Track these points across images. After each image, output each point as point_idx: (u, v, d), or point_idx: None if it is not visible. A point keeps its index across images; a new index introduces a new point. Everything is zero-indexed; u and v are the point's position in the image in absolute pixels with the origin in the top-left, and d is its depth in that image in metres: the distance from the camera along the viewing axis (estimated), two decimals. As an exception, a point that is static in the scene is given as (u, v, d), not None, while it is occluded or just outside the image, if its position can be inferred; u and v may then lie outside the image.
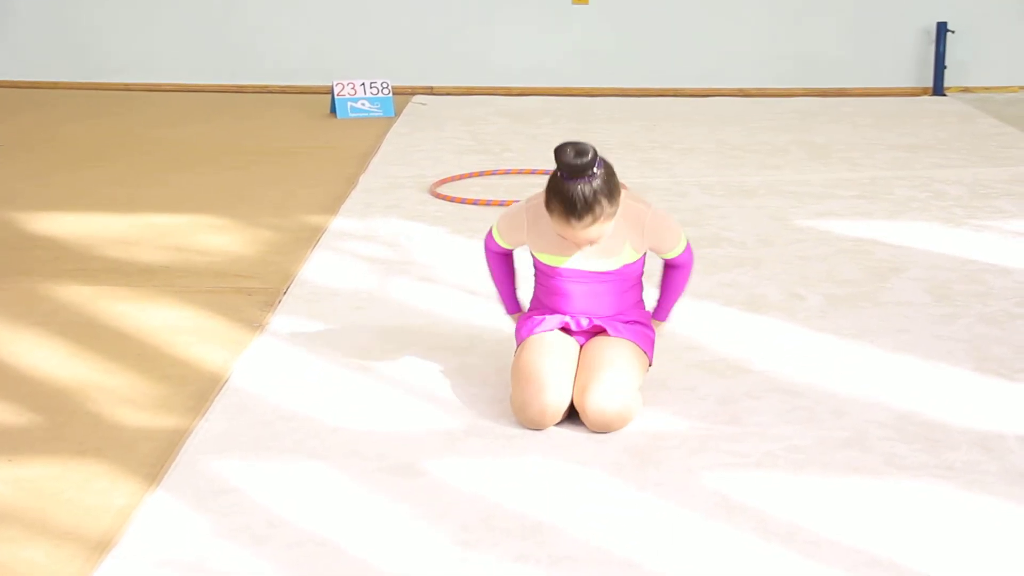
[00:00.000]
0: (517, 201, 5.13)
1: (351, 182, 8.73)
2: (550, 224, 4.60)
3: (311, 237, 7.21)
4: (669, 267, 4.90)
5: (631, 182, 8.55)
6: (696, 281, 6.31)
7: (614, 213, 4.49)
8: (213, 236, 7.28)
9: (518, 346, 4.83)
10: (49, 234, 7.34)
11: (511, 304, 5.10)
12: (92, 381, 5.03)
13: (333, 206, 7.99)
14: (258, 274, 6.48)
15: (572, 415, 4.57)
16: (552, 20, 13.43)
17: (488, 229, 4.97)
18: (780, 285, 6.31)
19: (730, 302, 6.06)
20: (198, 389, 4.93)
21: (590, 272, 4.75)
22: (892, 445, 4.39)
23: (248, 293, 6.16)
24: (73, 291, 6.17)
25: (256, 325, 5.68)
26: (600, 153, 4.52)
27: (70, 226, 7.48)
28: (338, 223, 7.57)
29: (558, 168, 4.44)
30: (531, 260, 4.90)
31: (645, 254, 4.79)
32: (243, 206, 8.03)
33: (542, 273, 4.85)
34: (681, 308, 5.83)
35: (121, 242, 7.10)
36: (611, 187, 4.46)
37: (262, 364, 5.21)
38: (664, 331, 5.17)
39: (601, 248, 4.68)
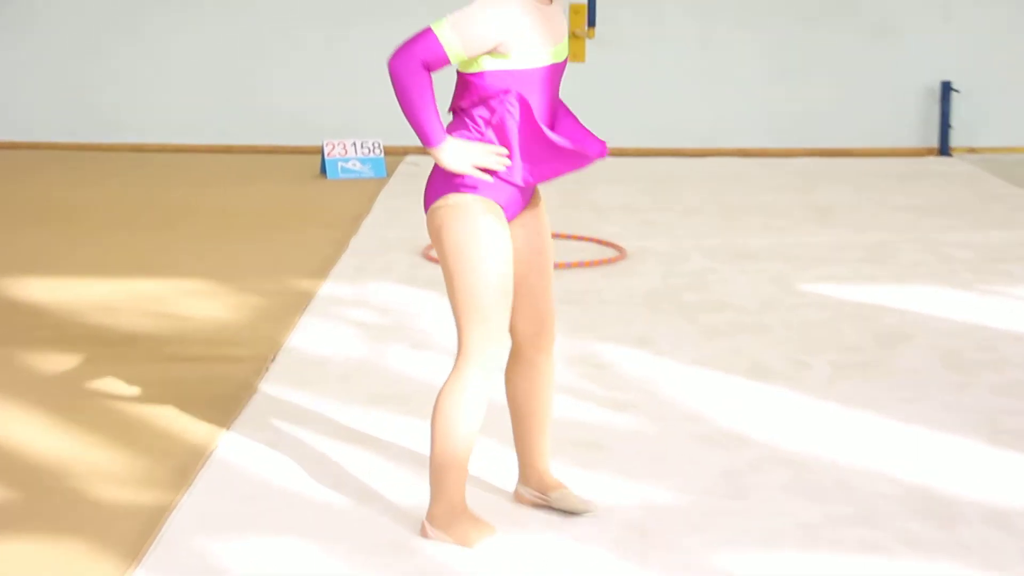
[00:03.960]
0: None
1: (341, 245, 8.58)
2: (534, 8, 3.92)
3: (300, 302, 7.04)
4: None
5: (629, 245, 8.45)
6: (697, 347, 6.19)
7: None
8: (199, 302, 7.12)
9: (473, 217, 3.96)
10: (28, 300, 7.17)
11: (440, 130, 3.99)
12: (71, 454, 4.86)
13: (323, 270, 7.83)
14: (245, 341, 6.33)
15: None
16: (550, 80, 13.32)
17: (412, 40, 3.90)
18: (784, 352, 6.16)
19: (732, 369, 5.90)
20: (182, 462, 4.77)
21: (561, 63, 4.03)
22: (904, 521, 4.24)
23: (234, 361, 6.00)
24: (52, 359, 5.99)
25: (244, 393, 5.52)
26: None
27: (50, 291, 7.31)
28: (328, 288, 7.41)
29: None
30: (476, 85, 3.99)
31: None
32: (230, 270, 7.87)
33: (503, 92, 3.96)
34: (680, 375, 5.69)
35: (103, 308, 6.92)
36: None
37: (249, 435, 5.05)
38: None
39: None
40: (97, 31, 13.57)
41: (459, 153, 3.95)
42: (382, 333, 6.49)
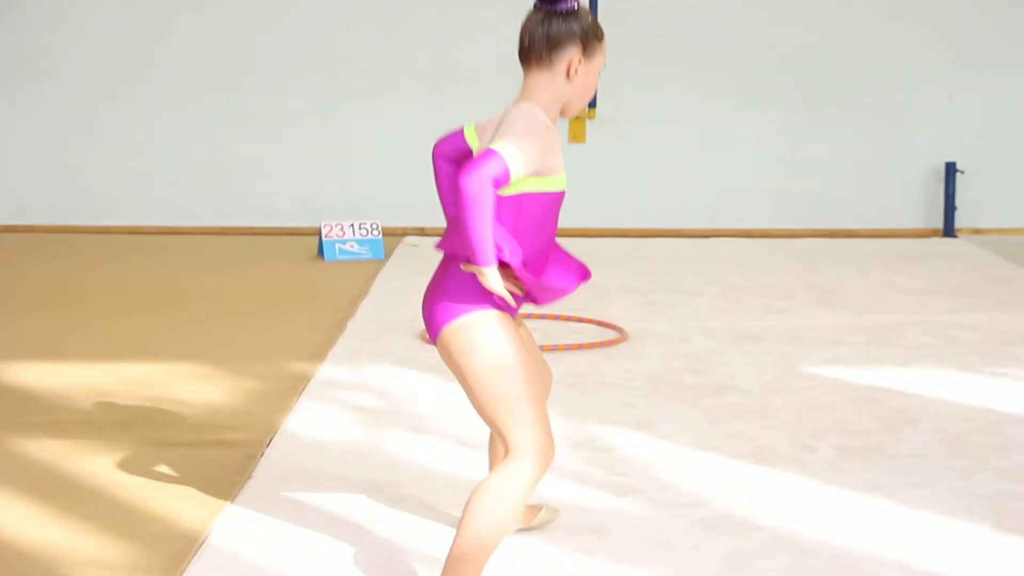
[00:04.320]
0: None
1: (339, 328, 8.51)
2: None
3: (296, 386, 6.96)
4: None
5: (630, 326, 8.38)
6: (700, 430, 6.10)
7: None
8: (194, 385, 7.03)
9: (502, 338, 4.03)
10: (17, 384, 7.07)
11: (493, 250, 3.91)
12: (62, 542, 4.74)
13: (320, 353, 7.76)
14: (240, 425, 6.23)
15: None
16: (551, 160, 13.32)
17: (482, 160, 3.80)
18: (789, 436, 6.06)
19: (736, 454, 5.80)
20: (174, 549, 4.65)
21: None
22: (913, 612, 4.13)
23: (229, 446, 5.90)
24: (42, 445, 5.89)
25: (238, 480, 5.42)
26: None
27: (41, 376, 7.22)
28: (325, 371, 7.33)
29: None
30: (514, 206, 4.03)
31: None
32: (226, 353, 7.80)
33: (534, 219, 4.07)
34: (683, 459, 5.61)
35: (97, 392, 6.83)
36: None
37: (243, 522, 4.93)
38: None
39: None
40: (91, 113, 13.63)
41: (499, 276, 3.95)
42: (380, 417, 6.40)
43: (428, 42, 13.45)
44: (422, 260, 11.45)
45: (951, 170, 13.19)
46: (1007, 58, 13.39)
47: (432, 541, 4.73)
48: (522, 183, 3.98)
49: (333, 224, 11.67)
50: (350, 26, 13.54)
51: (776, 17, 13.46)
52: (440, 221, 13.84)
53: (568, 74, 4.07)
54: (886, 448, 5.88)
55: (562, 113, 4.18)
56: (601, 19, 12.94)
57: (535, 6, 4.08)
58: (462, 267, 4.03)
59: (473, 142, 4.24)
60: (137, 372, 7.33)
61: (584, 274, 4.25)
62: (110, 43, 13.56)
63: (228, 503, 5.14)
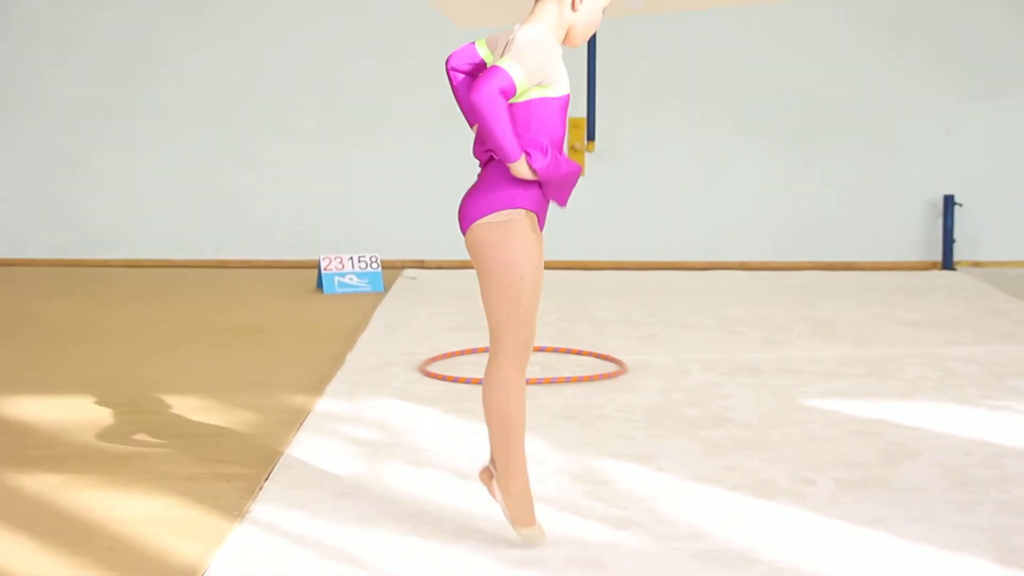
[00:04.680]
0: None
1: (338, 361, 8.50)
2: (559, 47, 4.73)
3: (295, 419, 6.94)
4: None
5: (629, 359, 8.37)
6: (699, 464, 6.09)
7: None
8: (193, 418, 7.01)
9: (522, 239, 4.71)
10: (18, 418, 7.04)
11: (517, 146, 4.61)
12: (57, 577, 4.73)
13: (319, 386, 7.73)
14: (239, 459, 6.21)
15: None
16: (549, 193, 13.33)
17: (489, 76, 4.46)
18: (788, 469, 6.04)
19: (735, 487, 5.78)
20: (172, 584, 4.63)
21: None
22: (914, 647, 4.11)
23: (228, 479, 5.88)
24: (40, 480, 5.86)
25: (236, 514, 5.39)
26: None
27: (39, 409, 7.20)
28: (324, 404, 7.30)
29: None
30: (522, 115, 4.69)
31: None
32: (225, 386, 7.78)
33: (543, 119, 4.71)
34: (682, 492, 5.59)
35: (94, 426, 6.80)
36: None
37: (242, 556, 4.91)
38: None
39: None
40: (89, 147, 13.67)
41: (527, 167, 4.65)
42: (379, 450, 6.37)
43: (427, 75, 13.45)
44: (421, 293, 11.44)
45: (949, 203, 13.20)
46: (1005, 91, 13.41)
47: (432, 574, 4.70)
48: (528, 92, 4.63)
49: (332, 257, 11.66)
50: (349, 59, 13.56)
51: (774, 51, 13.49)
52: (439, 254, 13.85)
53: (574, 5, 4.72)
54: (886, 481, 5.85)
55: (565, 41, 4.82)
56: (600, 52, 13.01)
57: None
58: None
59: (485, 55, 4.81)
60: (136, 405, 7.31)
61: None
62: (108, 77, 13.58)
63: (226, 537, 5.11)
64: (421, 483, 5.82)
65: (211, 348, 9.06)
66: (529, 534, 4.90)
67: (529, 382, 7.40)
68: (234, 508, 5.47)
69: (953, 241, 13.23)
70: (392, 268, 12.87)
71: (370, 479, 5.91)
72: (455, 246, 13.36)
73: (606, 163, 13.47)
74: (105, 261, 13.58)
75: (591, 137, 13.33)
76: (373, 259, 11.77)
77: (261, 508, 5.48)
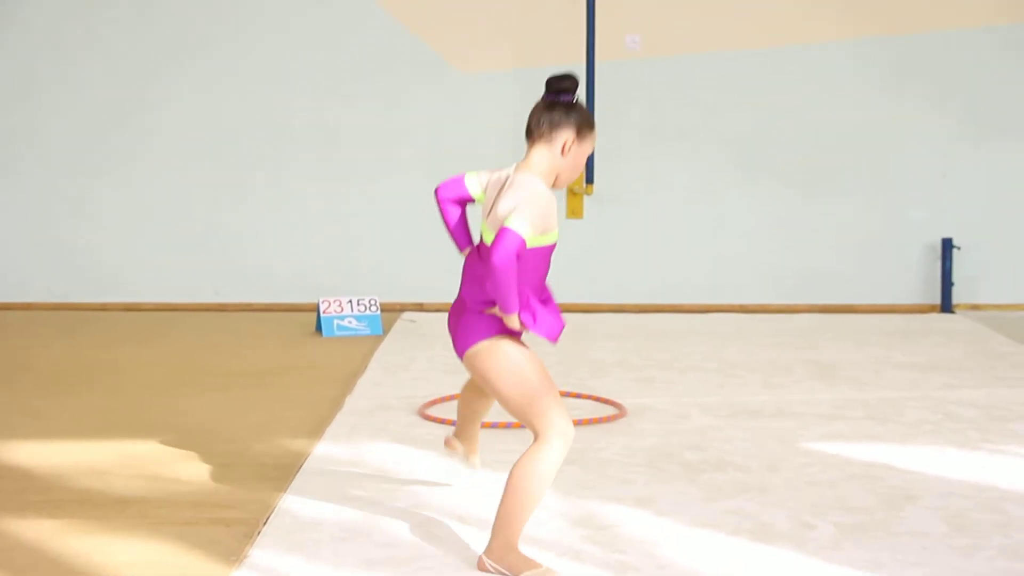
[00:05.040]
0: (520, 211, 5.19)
1: (336, 404, 8.47)
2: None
3: (294, 463, 6.91)
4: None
5: (628, 402, 8.35)
6: (699, 508, 6.07)
7: None
8: (191, 462, 6.98)
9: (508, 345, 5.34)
10: (14, 463, 7.00)
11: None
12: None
13: (317, 430, 7.71)
14: (237, 503, 6.18)
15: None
16: (548, 236, 13.33)
17: (505, 241, 5.06)
18: (788, 513, 6.02)
19: (735, 531, 5.76)
20: (169, 630, 4.62)
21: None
22: None
23: (227, 524, 5.85)
24: (37, 525, 5.83)
25: (234, 559, 5.37)
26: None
27: (37, 454, 7.15)
28: (322, 448, 7.27)
29: (561, 90, 5.30)
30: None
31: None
32: (223, 430, 7.75)
33: (535, 263, 5.29)
34: (682, 536, 5.57)
35: (92, 471, 6.76)
36: None
37: (236, 602, 4.90)
38: None
39: None
40: (87, 190, 13.68)
41: (518, 319, 5.28)
42: (378, 494, 6.34)
43: (428, 119, 13.49)
44: (420, 336, 11.43)
45: (948, 246, 13.20)
46: (1002, 133, 13.42)
47: (430, 621, 4.70)
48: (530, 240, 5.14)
49: (331, 300, 11.65)
50: (349, 102, 13.58)
51: (772, 94, 13.51)
52: (438, 297, 13.81)
53: (563, 151, 5.28)
54: (886, 525, 5.83)
55: (553, 184, 5.34)
56: (599, 93, 13.05)
57: (544, 98, 5.30)
58: (486, 311, 5.31)
59: (477, 193, 5.48)
60: (133, 449, 7.28)
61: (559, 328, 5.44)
62: (106, 120, 13.59)
63: (224, 582, 5.11)
64: (420, 527, 5.80)
65: (210, 391, 9.04)
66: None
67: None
68: (232, 553, 5.45)
69: (952, 284, 13.23)
70: (391, 311, 12.86)
71: (369, 523, 5.89)
72: (454, 290, 13.37)
73: (605, 206, 13.48)
74: (104, 304, 13.57)
75: (589, 180, 13.34)
76: (372, 302, 11.76)
77: (259, 553, 5.46)
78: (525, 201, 5.10)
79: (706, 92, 13.53)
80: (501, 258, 5.01)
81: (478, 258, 5.38)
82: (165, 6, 13.64)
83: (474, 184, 5.48)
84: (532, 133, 5.31)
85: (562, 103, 5.28)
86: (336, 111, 13.59)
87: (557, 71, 5.37)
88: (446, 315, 11.24)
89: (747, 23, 13.49)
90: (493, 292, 5.13)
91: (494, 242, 5.05)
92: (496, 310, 5.26)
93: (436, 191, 5.59)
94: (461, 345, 5.39)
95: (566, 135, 5.25)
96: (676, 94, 13.53)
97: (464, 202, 5.57)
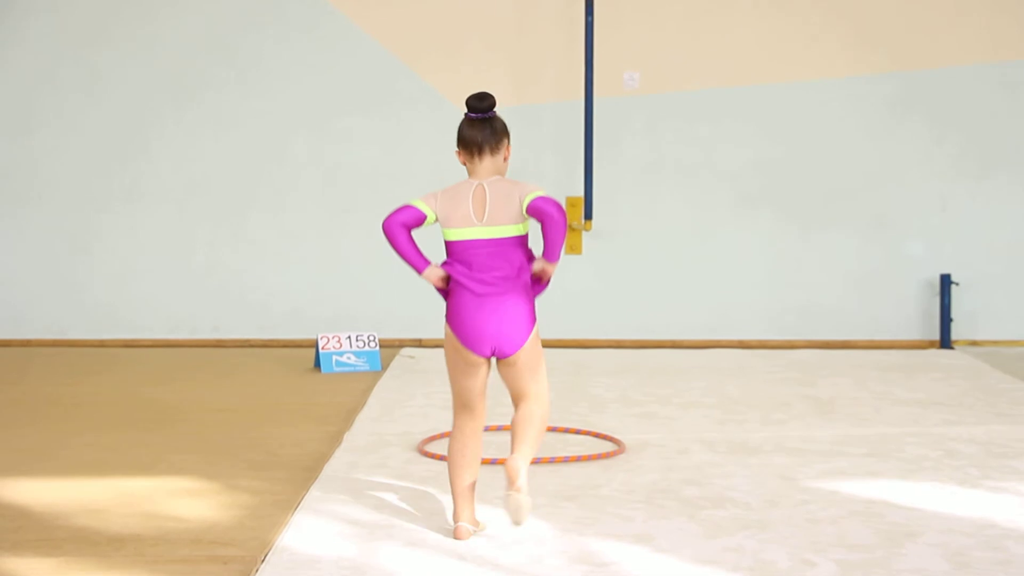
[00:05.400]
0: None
1: (335, 440, 8.44)
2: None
3: (292, 500, 6.88)
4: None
5: (627, 438, 8.33)
6: (699, 545, 6.04)
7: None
8: (188, 500, 6.95)
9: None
10: (12, 501, 6.96)
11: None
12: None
13: (316, 466, 7.68)
14: (235, 541, 6.15)
15: None
16: (547, 272, 13.33)
17: (554, 199, 5.99)
18: (788, 550, 5.99)
19: (735, 568, 5.73)
20: (165, 669, 4.58)
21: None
22: None
23: (224, 561, 5.82)
24: (34, 564, 5.80)
25: (230, 597, 5.35)
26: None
27: (34, 492, 7.11)
28: (321, 484, 7.24)
29: (491, 107, 6.10)
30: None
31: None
32: (221, 467, 7.73)
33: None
34: (682, 574, 5.54)
35: (89, 509, 6.73)
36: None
37: (233, 641, 4.87)
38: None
39: None
40: (88, 228, 13.70)
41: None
42: (377, 531, 6.31)
43: (426, 155, 13.49)
44: (419, 372, 11.40)
45: (946, 282, 13.20)
46: (1000, 170, 13.44)
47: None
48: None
49: (330, 336, 11.64)
50: (347, 140, 13.60)
51: (769, 130, 13.53)
52: (437, 333, 13.74)
53: (505, 156, 6.13)
54: (887, 563, 5.79)
55: None
56: (597, 130, 13.07)
57: (476, 116, 6.07)
58: (534, 271, 6.12)
59: (428, 212, 6.21)
60: (131, 487, 7.25)
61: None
62: (105, 158, 13.61)
63: (221, 621, 5.08)
64: (418, 564, 5.77)
65: (207, 428, 9.01)
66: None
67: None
68: (229, 591, 5.43)
69: (951, 320, 13.22)
70: (390, 347, 12.85)
71: (367, 560, 5.86)
72: (453, 325, 13.38)
73: (603, 241, 13.48)
74: (103, 341, 13.56)
75: (588, 216, 13.35)
76: (371, 338, 11.75)
77: (257, 591, 5.44)
78: (532, 185, 6.06)
79: (704, 128, 13.56)
80: (560, 208, 5.90)
81: (484, 250, 6.11)
82: (165, 46, 13.67)
83: (425, 207, 6.19)
84: (482, 148, 6.07)
85: (492, 118, 6.11)
86: (335, 149, 13.60)
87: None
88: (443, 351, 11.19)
89: (745, 60, 13.53)
90: (560, 241, 5.93)
91: (545, 202, 5.90)
92: (544, 266, 6.04)
93: (387, 223, 6.27)
94: (518, 338, 6.05)
95: (506, 143, 6.11)
96: (674, 130, 13.56)
97: (414, 227, 6.22)
